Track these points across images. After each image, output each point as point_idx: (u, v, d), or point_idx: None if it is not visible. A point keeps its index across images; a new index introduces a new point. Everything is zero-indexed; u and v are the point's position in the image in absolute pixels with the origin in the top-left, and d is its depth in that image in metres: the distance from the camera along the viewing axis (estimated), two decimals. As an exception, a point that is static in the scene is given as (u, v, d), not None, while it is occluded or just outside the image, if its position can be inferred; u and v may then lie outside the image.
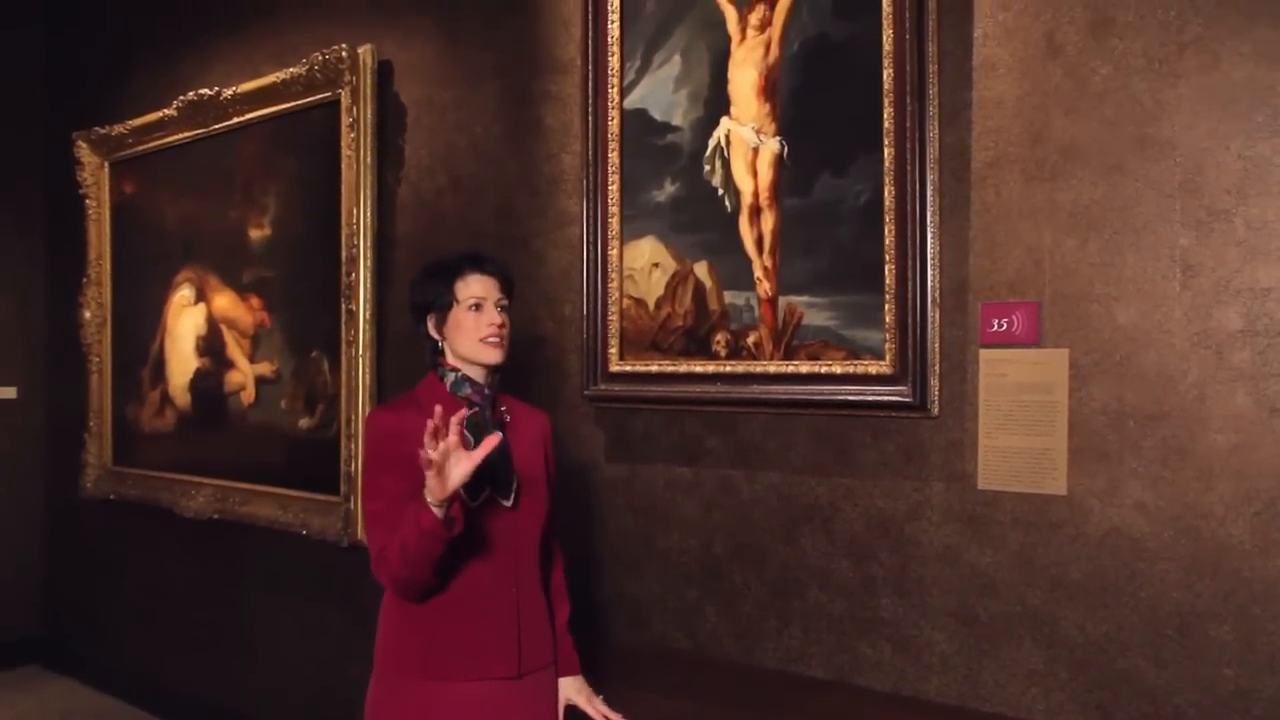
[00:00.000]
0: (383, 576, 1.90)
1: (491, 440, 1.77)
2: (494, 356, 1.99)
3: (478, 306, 1.99)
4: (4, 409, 4.70)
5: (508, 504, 1.97)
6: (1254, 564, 1.78)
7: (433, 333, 2.03)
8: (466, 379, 2.00)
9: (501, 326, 2.00)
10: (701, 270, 2.43)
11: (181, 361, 3.92)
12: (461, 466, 1.72)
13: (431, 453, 1.70)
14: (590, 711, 2.09)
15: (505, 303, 2.03)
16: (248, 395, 3.64)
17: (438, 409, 1.73)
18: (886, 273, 2.13)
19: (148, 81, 4.11)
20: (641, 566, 2.59)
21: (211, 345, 3.79)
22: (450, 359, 2.02)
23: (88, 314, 4.30)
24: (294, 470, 3.43)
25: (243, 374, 3.67)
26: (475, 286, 2.00)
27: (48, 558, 4.80)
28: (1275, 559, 1.76)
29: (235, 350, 3.69)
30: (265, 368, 3.57)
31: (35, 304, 4.78)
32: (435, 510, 1.75)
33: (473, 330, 1.98)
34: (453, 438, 1.72)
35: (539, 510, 2.04)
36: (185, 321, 3.91)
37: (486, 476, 1.93)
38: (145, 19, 4.17)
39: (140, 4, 4.21)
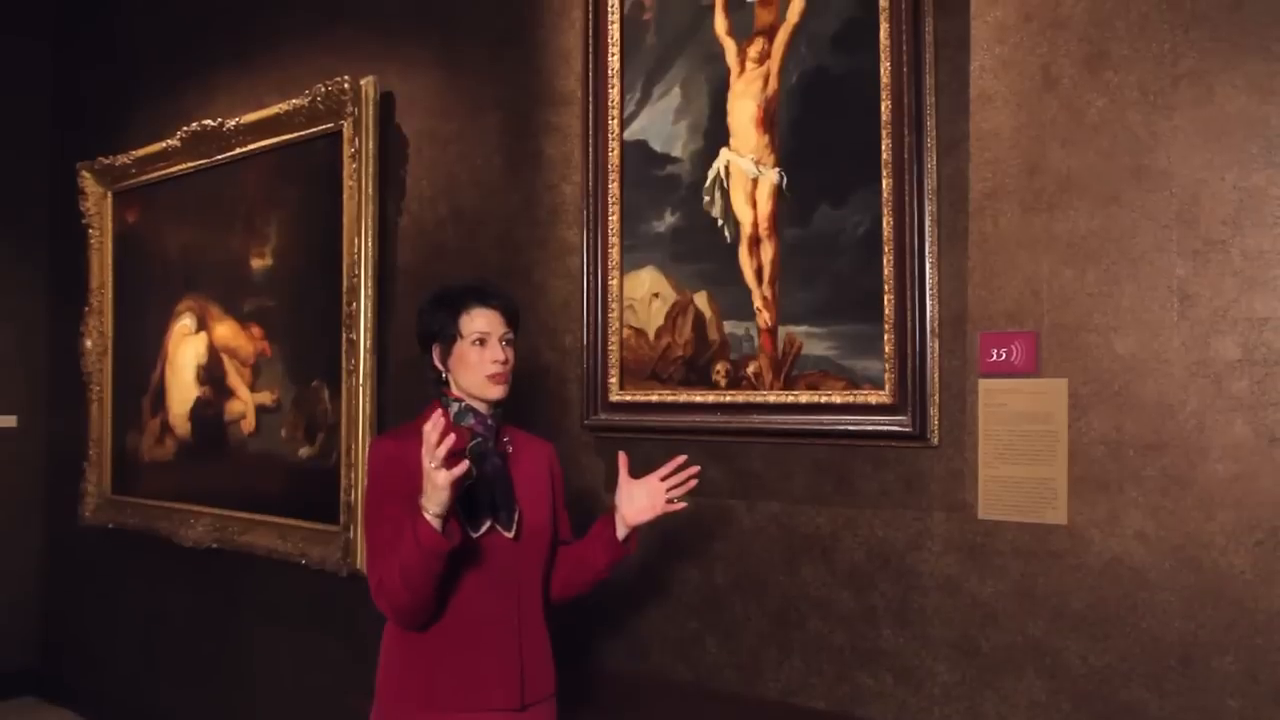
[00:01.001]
0: (384, 605, 1.89)
1: (463, 466, 1.77)
2: (497, 393, 2.00)
3: (482, 342, 1.99)
4: (4, 437, 4.69)
5: (509, 534, 1.96)
6: (1256, 594, 1.77)
7: (437, 363, 2.04)
8: (470, 409, 2.01)
9: (505, 363, 2.00)
10: (701, 300, 2.43)
11: (182, 390, 3.93)
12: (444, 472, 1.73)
13: (432, 460, 1.72)
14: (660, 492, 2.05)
15: (510, 336, 2.04)
16: (248, 424, 3.64)
17: (429, 425, 1.74)
18: (885, 303, 2.14)
19: (152, 112, 4.14)
20: (641, 597, 2.58)
21: (212, 374, 3.80)
22: (455, 389, 2.03)
23: (89, 343, 4.31)
24: (293, 499, 3.42)
25: (243, 403, 3.67)
26: (480, 321, 2.00)
27: (45, 587, 4.78)
28: (1277, 589, 1.76)
29: (236, 379, 3.70)
30: (266, 396, 3.58)
31: (37, 332, 4.79)
32: (433, 521, 1.75)
33: (476, 366, 1.98)
34: (436, 440, 1.73)
35: (542, 541, 2.04)
36: (186, 350, 3.92)
37: (487, 507, 1.94)
38: (150, 51, 4.22)
39: (146, 36, 4.25)
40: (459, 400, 2.02)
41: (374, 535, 1.92)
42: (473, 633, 1.92)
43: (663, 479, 2.06)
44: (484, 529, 1.93)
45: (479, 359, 1.98)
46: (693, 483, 2.07)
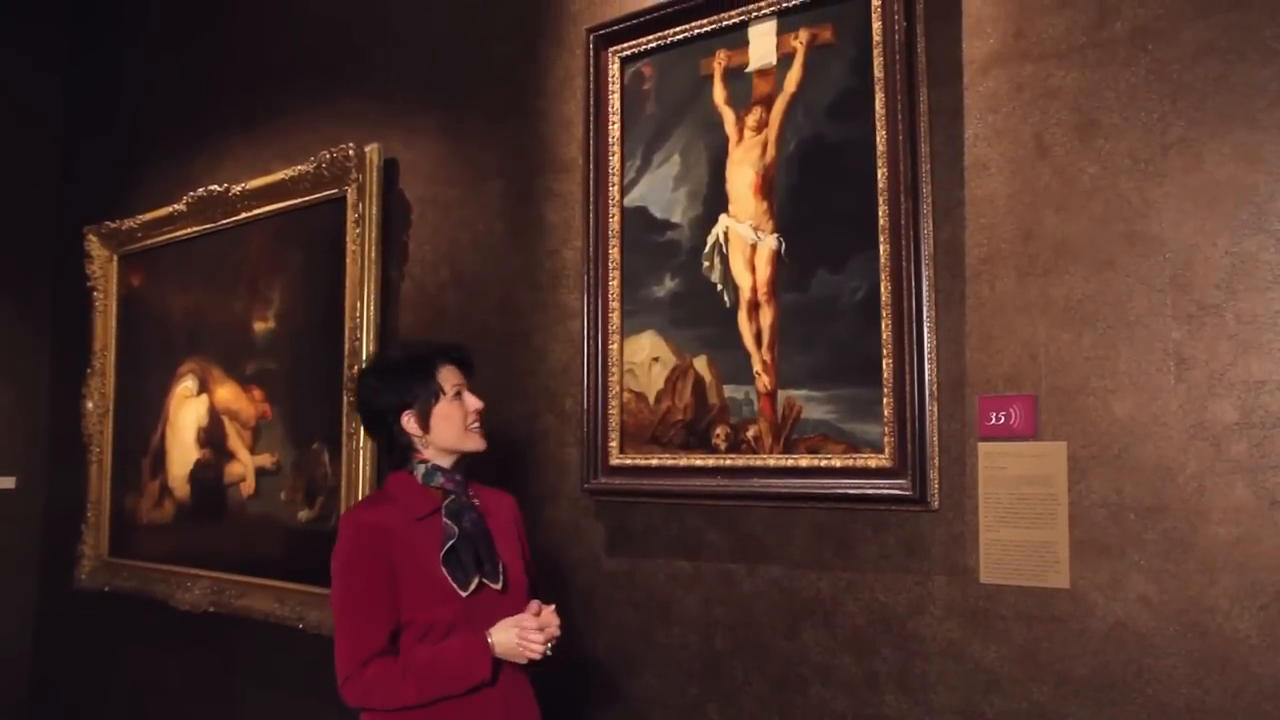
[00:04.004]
0: (370, 698, 1.87)
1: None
2: (480, 444, 2.07)
3: (459, 395, 2.04)
4: (2, 498, 4.67)
5: (498, 587, 1.97)
6: (1262, 659, 1.76)
7: (414, 428, 2.03)
8: (438, 469, 2.03)
9: (481, 411, 2.07)
10: (701, 364, 2.45)
11: (182, 452, 3.92)
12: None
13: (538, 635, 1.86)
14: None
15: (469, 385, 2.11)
16: (247, 487, 3.63)
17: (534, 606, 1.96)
18: (884, 367, 2.15)
19: (159, 178, 4.20)
20: (641, 662, 2.55)
21: (212, 436, 3.80)
22: (423, 452, 2.04)
23: (90, 404, 4.31)
24: (292, 562, 3.40)
25: (243, 465, 3.66)
26: (454, 375, 2.07)
27: (37, 652, 4.71)
28: (1282, 655, 1.74)
29: (236, 441, 3.70)
30: (266, 459, 3.57)
31: (38, 394, 4.79)
32: (494, 655, 1.86)
33: (460, 420, 2.04)
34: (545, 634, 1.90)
35: (523, 592, 2.06)
36: (187, 412, 3.92)
37: (474, 564, 1.94)
38: (158, 118, 4.29)
39: (154, 103, 4.33)
40: (424, 463, 2.03)
41: (350, 622, 1.89)
42: (461, 696, 1.90)
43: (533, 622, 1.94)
44: (473, 586, 1.93)
45: (460, 412, 2.04)
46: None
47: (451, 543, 1.94)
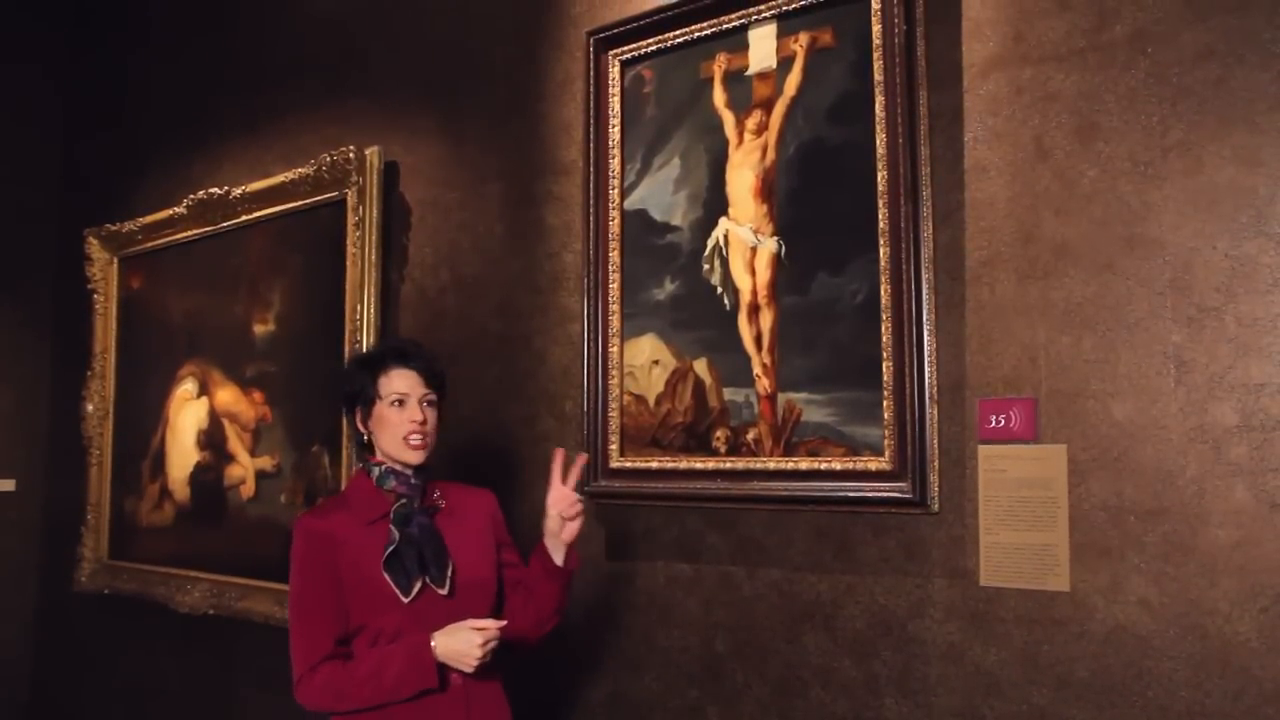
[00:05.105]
0: (321, 703, 1.87)
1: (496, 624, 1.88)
2: (415, 457, 1.99)
3: (400, 403, 1.99)
4: (2, 501, 4.67)
5: (443, 591, 1.94)
6: (1263, 662, 1.76)
7: (360, 426, 2.03)
8: (392, 472, 2.01)
9: (424, 424, 1.99)
10: (701, 367, 2.45)
11: (182, 455, 3.92)
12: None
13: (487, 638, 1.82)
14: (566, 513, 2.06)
15: (432, 398, 2.03)
16: (247, 489, 3.63)
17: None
18: (884, 370, 2.15)
19: (160, 180, 4.20)
20: (641, 665, 2.55)
21: (212, 439, 3.80)
22: (378, 453, 2.03)
23: (90, 407, 4.31)
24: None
25: (243, 468, 3.66)
26: (398, 382, 2.00)
27: (37, 655, 4.71)
28: (1282, 658, 1.74)
29: (236, 444, 3.70)
30: (266, 461, 3.57)
31: (37, 396, 4.79)
32: (438, 660, 1.83)
33: (396, 428, 1.98)
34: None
35: (481, 594, 2.02)
36: (187, 415, 3.93)
37: (418, 568, 1.92)
38: (159, 121, 4.29)
39: (154, 106, 4.33)
40: (380, 464, 2.02)
41: (299, 627, 1.93)
42: (416, 700, 1.89)
43: (564, 482, 2.08)
44: (416, 590, 1.91)
45: (398, 420, 1.98)
46: (580, 463, 2.12)
47: (392, 548, 1.92)
